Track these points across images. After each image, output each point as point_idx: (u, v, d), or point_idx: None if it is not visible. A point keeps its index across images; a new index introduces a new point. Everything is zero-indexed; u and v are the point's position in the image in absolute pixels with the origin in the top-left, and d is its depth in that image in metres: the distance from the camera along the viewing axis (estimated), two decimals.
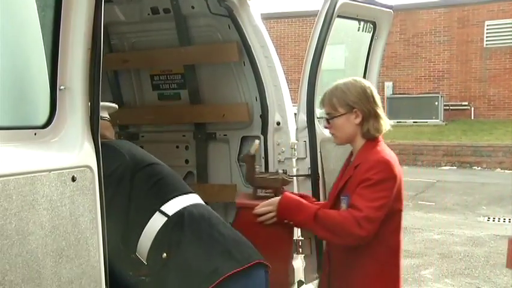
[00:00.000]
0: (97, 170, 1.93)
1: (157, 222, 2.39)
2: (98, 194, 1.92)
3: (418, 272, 6.26)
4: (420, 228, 8.19)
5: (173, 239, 2.36)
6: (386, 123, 2.73)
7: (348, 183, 2.66)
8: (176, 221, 2.38)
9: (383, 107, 2.80)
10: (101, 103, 2.70)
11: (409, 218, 8.52)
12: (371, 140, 2.70)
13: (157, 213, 2.40)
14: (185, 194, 2.50)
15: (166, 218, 2.38)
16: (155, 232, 2.38)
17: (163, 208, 2.40)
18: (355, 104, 2.68)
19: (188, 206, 2.44)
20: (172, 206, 2.41)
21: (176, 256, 2.34)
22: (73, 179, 1.83)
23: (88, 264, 1.88)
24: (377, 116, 2.70)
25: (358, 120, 2.68)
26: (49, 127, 1.88)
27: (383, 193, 2.56)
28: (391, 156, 2.67)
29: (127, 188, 2.41)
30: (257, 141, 3.14)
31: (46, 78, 1.87)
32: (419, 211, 9.31)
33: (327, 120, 2.77)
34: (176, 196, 2.45)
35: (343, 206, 2.66)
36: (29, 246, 1.69)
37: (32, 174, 1.72)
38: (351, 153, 2.81)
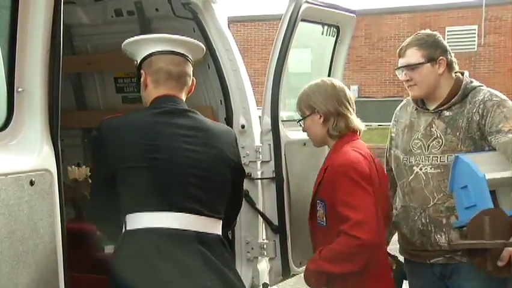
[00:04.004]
0: (57, 173, 1.90)
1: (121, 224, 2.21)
2: (57, 198, 1.90)
3: None
4: None
5: (118, 255, 2.17)
6: (353, 122, 2.72)
7: (321, 186, 2.63)
8: (126, 240, 2.15)
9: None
10: (180, 37, 2.37)
11: None
12: (340, 139, 2.69)
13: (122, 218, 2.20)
14: (158, 211, 2.14)
15: (124, 229, 2.16)
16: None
17: (127, 217, 2.15)
18: (315, 104, 2.70)
19: (143, 229, 2.12)
20: (134, 220, 2.14)
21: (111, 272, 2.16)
22: (31, 183, 1.80)
23: (47, 270, 1.85)
24: (339, 115, 2.68)
25: (321, 120, 2.69)
26: (6, 130, 1.84)
27: (362, 193, 2.48)
28: (356, 155, 2.59)
29: (110, 185, 2.18)
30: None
31: (3, 80, 1.84)
32: None
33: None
34: (146, 211, 2.14)
35: (320, 210, 2.63)
36: None
37: None
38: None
